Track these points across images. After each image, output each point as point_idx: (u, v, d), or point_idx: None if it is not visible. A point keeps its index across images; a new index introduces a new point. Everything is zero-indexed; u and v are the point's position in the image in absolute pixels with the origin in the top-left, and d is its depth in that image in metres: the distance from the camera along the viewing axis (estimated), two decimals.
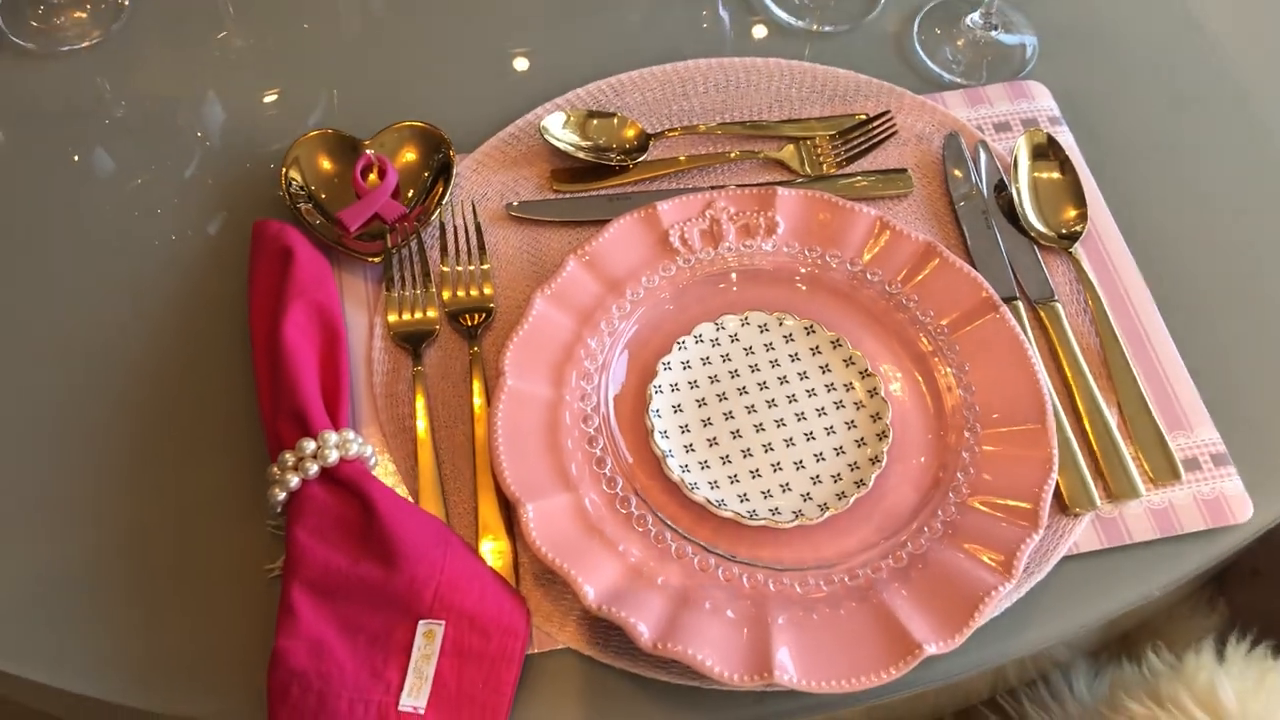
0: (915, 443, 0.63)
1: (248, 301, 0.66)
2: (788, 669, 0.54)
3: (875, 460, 0.61)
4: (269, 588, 0.58)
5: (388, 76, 0.79)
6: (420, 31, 0.81)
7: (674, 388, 0.63)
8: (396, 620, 0.55)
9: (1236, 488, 0.63)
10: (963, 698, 0.76)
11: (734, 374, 0.64)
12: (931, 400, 0.64)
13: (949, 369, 0.64)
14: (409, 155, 0.72)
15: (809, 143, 0.75)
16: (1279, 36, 0.85)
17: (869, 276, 0.67)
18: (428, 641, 0.55)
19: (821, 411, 0.63)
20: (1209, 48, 0.83)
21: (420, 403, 0.64)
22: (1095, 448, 0.63)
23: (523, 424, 0.61)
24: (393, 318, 0.67)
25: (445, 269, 0.68)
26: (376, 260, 0.68)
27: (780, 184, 0.72)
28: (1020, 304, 0.68)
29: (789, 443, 0.62)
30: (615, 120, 0.74)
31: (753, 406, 0.63)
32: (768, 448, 0.62)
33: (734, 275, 0.68)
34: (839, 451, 0.62)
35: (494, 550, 0.60)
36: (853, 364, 0.64)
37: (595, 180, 0.73)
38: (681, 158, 0.74)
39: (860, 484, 0.60)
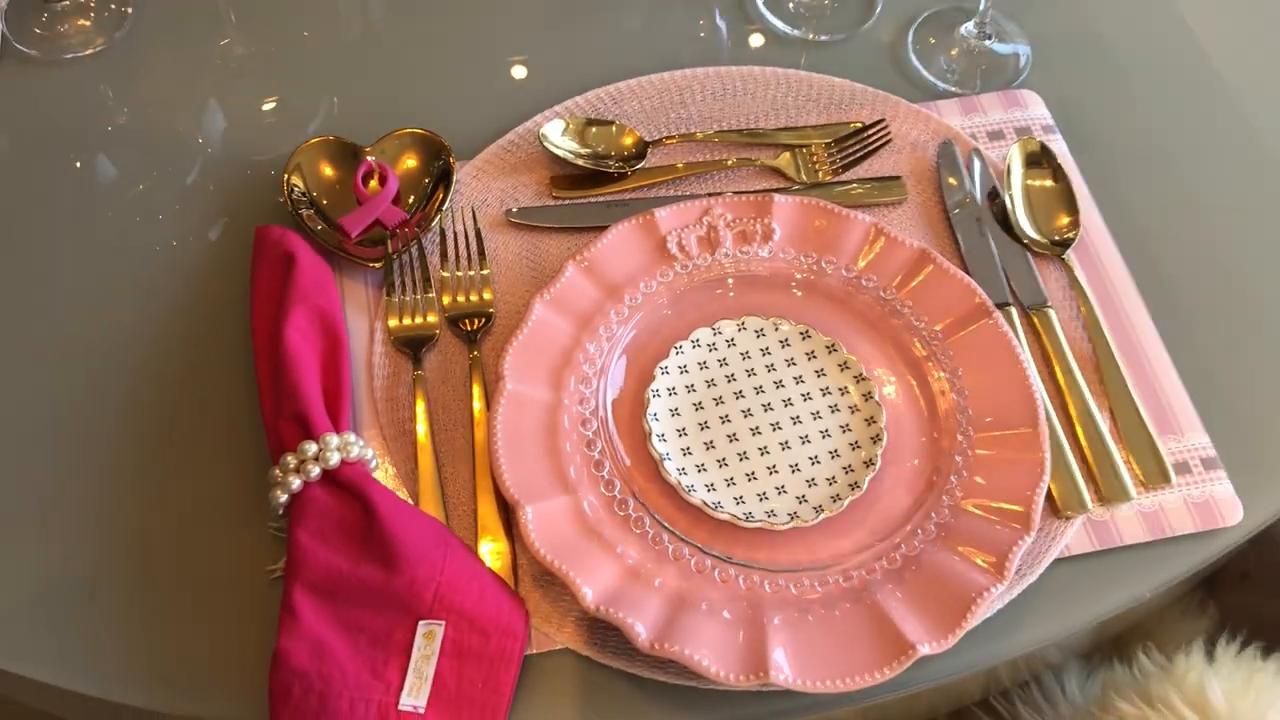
0: (909, 446, 0.64)
1: (249, 306, 0.67)
2: (783, 669, 0.55)
3: (869, 463, 0.61)
4: (271, 589, 0.59)
5: (388, 84, 0.79)
6: (421, 40, 0.82)
7: (671, 392, 0.64)
8: (397, 621, 0.56)
9: (1226, 491, 0.64)
10: (956, 699, 0.77)
11: (731, 378, 0.65)
12: (925, 404, 0.65)
13: (943, 373, 0.65)
14: (410, 162, 0.72)
15: (805, 150, 0.75)
16: (1271, 45, 0.86)
17: (864, 282, 0.68)
18: (428, 642, 0.56)
19: (817, 415, 0.64)
20: (1201, 56, 0.83)
21: (420, 406, 0.64)
22: (1087, 451, 0.64)
23: (522, 427, 0.61)
24: (393, 322, 0.67)
25: (445, 274, 0.69)
26: (377, 266, 0.69)
27: (776, 191, 0.72)
28: (1013, 309, 0.69)
29: (785, 446, 0.63)
30: (614, 128, 0.75)
31: (749, 410, 0.64)
32: (764, 451, 0.63)
33: (731, 281, 0.68)
34: (834, 454, 0.62)
35: (493, 552, 0.60)
36: (848, 368, 0.65)
37: (594, 187, 0.73)
38: (679, 165, 0.74)
39: (854, 486, 0.61)
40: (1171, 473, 0.64)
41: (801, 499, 0.61)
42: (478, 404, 0.64)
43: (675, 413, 0.64)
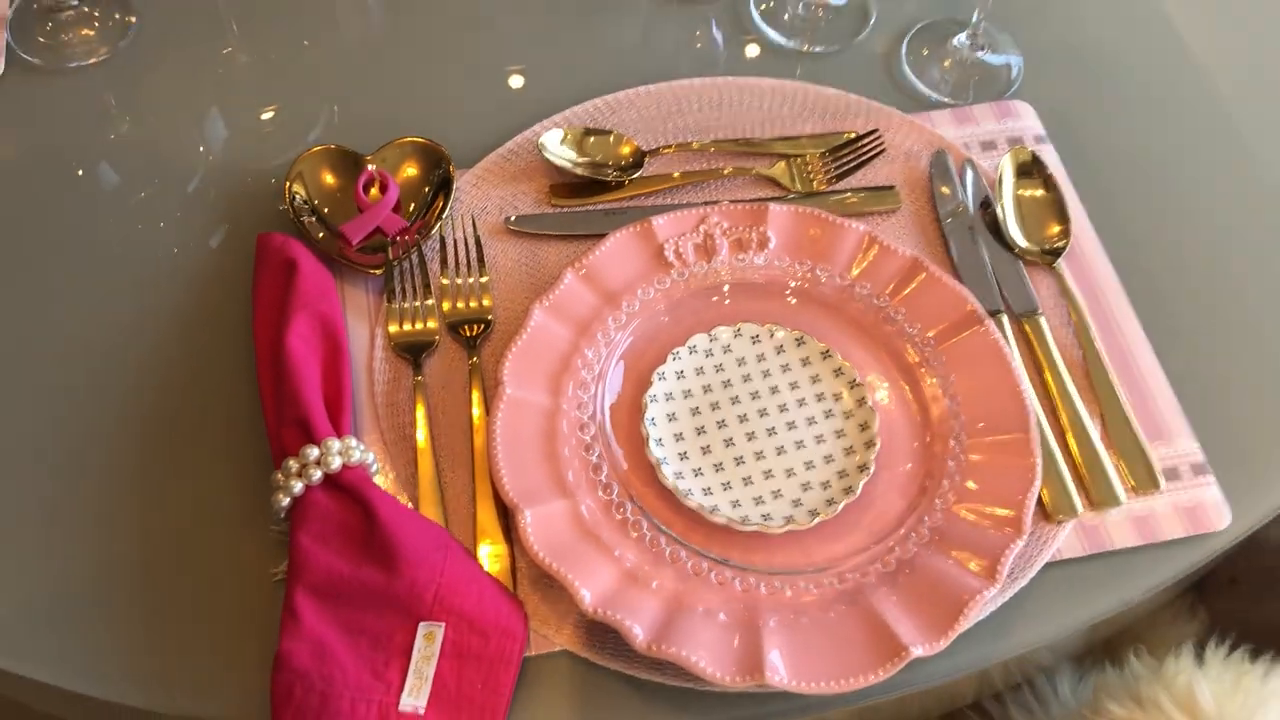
0: (902, 451, 0.64)
1: (251, 312, 0.67)
2: (779, 670, 0.55)
3: (863, 468, 0.62)
4: (273, 591, 0.59)
5: (389, 93, 0.80)
6: (421, 50, 0.82)
7: (668, 397, 0.65)
8: (397, 623, 0.56)
9: (1215, 496, 0.64)
10: (949, 700, 0.77)
11: (727, 384, 0.66)
12: (918, 410, 0.66)
13: (935, 380, 0.66)
14: (410, 170, 0.73)
15: (800, 160, 0.76)
16: (1261, 56, 0.87)
17: (858, 290, 0.69)
18: (428, 643, 0.56)
19: (811, 420, 0.64)
20: (1191, 68, 0.84)
21: (420, 411, 0.65)
22: (1078, 457, 0.65)
23: (521, 432, 0.62)
24: (394, 328, 0.68)
25: (445, 281, 0.70)
26: (378, 273, 0.69)
27: (772, 200, 0.73)
28: (1005, 317, 0.69)
29: (780, 450, 0.63)
30: (611, 137, 0.76)
31: (745, 415, 0.65)
32: (759, 455, 0.63)
33: (727, 288, 0.69)
34: (829, 459, 0.63)
35: (492, 555, 0.61)
36: (842, 374, 0.66)
37: (592, 195, 0.74)
38: (676, 174, 0.75)
39: (849, 491, 0.61)
40: (1161, 478, 0.64)
41: (797, 503, 0.62)
42: (477, 409, 0.65)
43: (673, 418, 0.64)
